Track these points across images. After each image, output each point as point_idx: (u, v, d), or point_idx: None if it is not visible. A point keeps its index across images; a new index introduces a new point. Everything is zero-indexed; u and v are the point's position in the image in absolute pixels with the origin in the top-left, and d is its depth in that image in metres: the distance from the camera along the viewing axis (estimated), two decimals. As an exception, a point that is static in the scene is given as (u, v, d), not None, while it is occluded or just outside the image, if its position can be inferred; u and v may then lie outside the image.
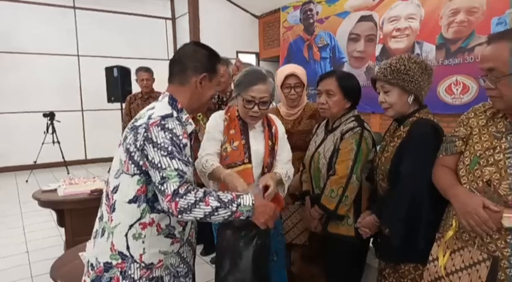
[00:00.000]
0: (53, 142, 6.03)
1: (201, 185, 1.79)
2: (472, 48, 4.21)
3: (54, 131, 6.07)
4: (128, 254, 1.22)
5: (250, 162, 1.63)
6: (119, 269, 1.21)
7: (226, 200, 1.16)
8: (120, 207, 1.21)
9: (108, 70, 5.79)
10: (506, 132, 1.16)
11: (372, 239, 1.72)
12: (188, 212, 1.11)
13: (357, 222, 1.66)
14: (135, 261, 1.21)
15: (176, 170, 1.13)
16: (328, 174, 1.73)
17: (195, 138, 1.56)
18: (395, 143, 1.52)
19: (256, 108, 1.61)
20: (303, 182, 1.96)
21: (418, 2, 4.73)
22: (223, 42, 7.05)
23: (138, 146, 1.16)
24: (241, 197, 1.20)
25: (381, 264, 1.59)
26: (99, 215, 1.30)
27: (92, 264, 1.26)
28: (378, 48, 5.30)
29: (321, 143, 1.83)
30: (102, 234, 1.25)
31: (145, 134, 1.15)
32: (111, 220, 1.23)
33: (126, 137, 1.22)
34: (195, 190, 1.14)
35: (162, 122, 1.17)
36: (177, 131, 1.18)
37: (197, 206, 1.12)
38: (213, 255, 3.03)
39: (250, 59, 7.66)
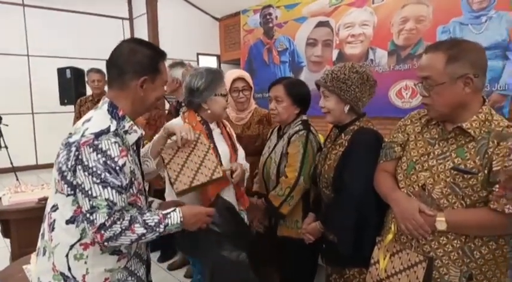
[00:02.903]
0: (0, 147, 5.67)
1: (160, 191, 1.78)
2: (419, 55, 4.42)
3: (0, 135, 5.71)
4: (69, 275, 1.15)
5: (221, 164, 1.61)
6: None
7: (152, 224, 1.15)
8: (59, 227, 1.15)
9: (61, 71, 5.54)
10: (439, 139, 1.23)
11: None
12: (114, 241, 1.10)
13: (302, 228, 1.70)
14: None
15: (106, 200, 1.07)
16: (277, 178, 1.77)
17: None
18: (337, 151, 1.55)
19: (229, 100, 1.74)
20: (254, 184, 2.00)
21: (371, 10, 4.91)
22: (184, 44, 6.96)
23: (69, 166, 1.09)
24: (168, 216, 1.19)
25: (328, 269, 1.63)
26: (41, 231, 1.24)
27: None
28: (335, 53, 5.44)
29: (274, 147, 1.87)
30: (44, 253, 1.19)
31: (76, 153, 1.08)
32: (51, 240, 1.17)
33: (58, 154, 1.14)
34: (121, 219, 1.10)
35: (95, 142, 1.08)
36: (112, 152, 1.09)
37: (123, 235, 1.10)
38: (171, 261, 2.99)
39: (211, 61, 7.62)
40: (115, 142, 1.10)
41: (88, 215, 1.08)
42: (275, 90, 1.82)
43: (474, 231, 1.14)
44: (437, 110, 1.21)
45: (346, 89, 1.49)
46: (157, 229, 1.16)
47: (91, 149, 1.07)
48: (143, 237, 1.14)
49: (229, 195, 1.66)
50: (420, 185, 1.22)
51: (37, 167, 6.87)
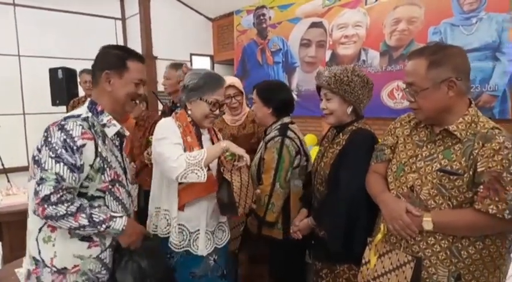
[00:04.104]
0: (-9, 148, 5.62)
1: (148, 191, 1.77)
2: (411, 56, 4.47)
3: (-9, 136, 5.66)
4: (39, 259, 1.21)
5: (209, 168, 1.57)
6: (35, 275, 1.22)
7: (97, 220, 1.19)
8: (30, 212, 1.22)
9: (53, 71, 5.51)
10: (427, 141, 1.26)
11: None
12: (54, 220, 1.15)
13: (294, 225, 1.73)
14: (46, 265, 1.21)
15: (56, 174, 1.13)
16: (258, 181, 1.81)
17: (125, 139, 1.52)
18: (334, 149, 1.59)
19: (217, 111, 1.63)
20: None
21: (364, 11, 4.94)
22: (177, 44, 6.95)
23: (39, 147, 1.19)
24: (114, 219, 1.23)
25: (317, 265, 1.65)
26: None
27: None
28: (328, 54, 5.46)
29: (259, 150, 1.92)
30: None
31: (45, 133, 1.18)
32: (27, 227, 1.26)
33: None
34: (70, 203, 1.15)
35: (62, 123, 1.19)
36: (74, 132, 1.17)
37: (64, 219, 1.15)
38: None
39: (205, 62, 7.61)
40: (80, 125, 1.19)
41: (36, 185, 1.14)
42: (253, 95, 1.95)
43: (460, 231, 1.16)
44: (423, 114, 1.24)
45: (350, 90, 1.54)
46: (99, 227, 1.20)
47: (57, 128, 1.18)
48: (82, 229, 1.18)
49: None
50: (409, 186, 1.24)
51: (28, 168, 6.82)
